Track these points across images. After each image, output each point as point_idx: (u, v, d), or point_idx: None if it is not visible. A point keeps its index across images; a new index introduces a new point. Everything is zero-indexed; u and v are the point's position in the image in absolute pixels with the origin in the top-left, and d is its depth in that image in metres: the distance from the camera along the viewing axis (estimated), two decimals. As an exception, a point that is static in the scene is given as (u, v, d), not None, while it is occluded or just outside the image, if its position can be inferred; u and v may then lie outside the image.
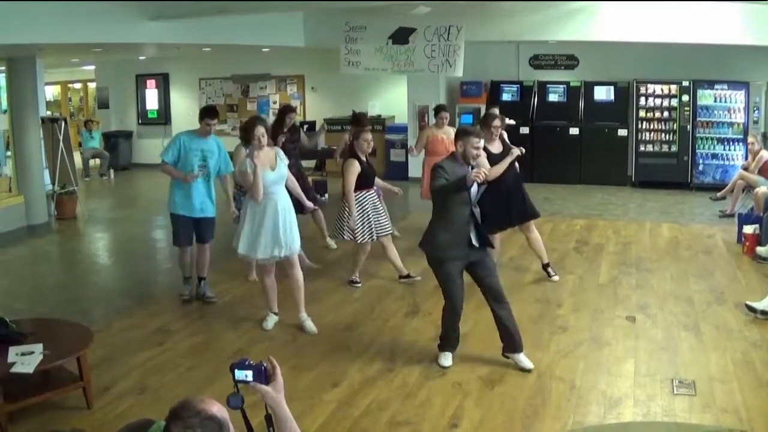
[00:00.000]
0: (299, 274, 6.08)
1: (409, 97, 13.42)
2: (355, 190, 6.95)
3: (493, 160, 6.70)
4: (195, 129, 6.69)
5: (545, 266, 7.42)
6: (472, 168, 4.97)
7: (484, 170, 4.76)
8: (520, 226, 7.26)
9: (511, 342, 5.19)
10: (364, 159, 7.03)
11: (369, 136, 7.02)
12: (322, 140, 8.90)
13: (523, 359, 5.18)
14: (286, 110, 8.37)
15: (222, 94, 16.18)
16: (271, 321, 6.16)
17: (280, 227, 5.79)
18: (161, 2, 7.90)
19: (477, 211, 5.07)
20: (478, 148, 4.99)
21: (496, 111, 8.73)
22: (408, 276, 7.31)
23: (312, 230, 8.67)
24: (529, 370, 5.12)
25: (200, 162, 6.54)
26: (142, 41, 8.85)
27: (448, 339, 5.32)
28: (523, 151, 6.82)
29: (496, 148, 6.86)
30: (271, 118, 13.99)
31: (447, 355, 5.31)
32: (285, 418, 2.43)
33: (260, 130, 5.74)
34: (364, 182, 7.00)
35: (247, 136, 5.87)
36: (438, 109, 8.85)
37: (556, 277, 7.35)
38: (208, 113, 6.57)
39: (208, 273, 7.02)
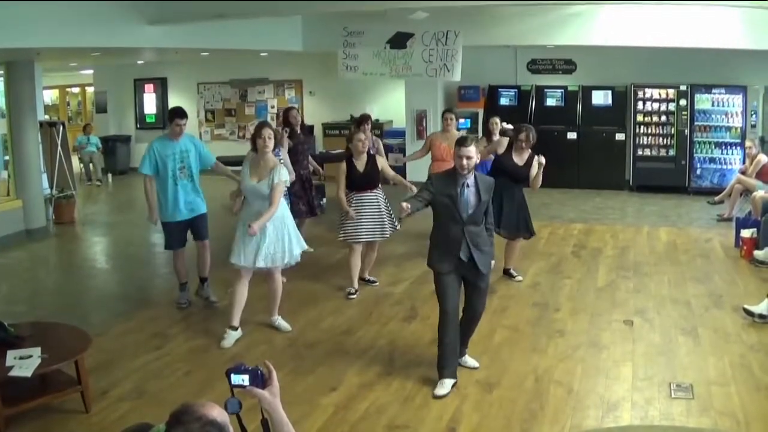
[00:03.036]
0: (277, 286, 6.12)
1: (407, 101, 13.42)
2: (347, 191, 7.00)
3: (517, 170, 6.91)
4: (166, 133, 6.64)
5: (507, 270, 7.53)
6: (476, 181, 4.97)
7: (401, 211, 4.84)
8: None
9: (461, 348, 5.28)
10: (360, 163, 6.97)
11: (361, 136, 7.03)
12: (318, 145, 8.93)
13: (468, 360, 5.34)
14: (286, 111, 8.38)
15: (220, 98, 16.19)
16: (231, 338, 5.93)
17: (258, 239, 5.75)
18: (160, 4, 7.92)
19: (472, 228, 4.93)
20: (460, 158, 4.81)
21: (496, 119, 8.67)
22: (367, 280, 7.38)
23: (308, 234, 8.68)
24: (476, 368, 5.27)
25: (179, 164, 6.51)
26: (140, 45, 8.86)
27: (447, 360, 4.99)
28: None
29: (521, 160, 7.00)
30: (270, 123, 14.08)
31: (444, 382, 4.95)
32: (281, 422, 2.43)
33: (267, 132, 5.79)
34: (354, 184, 6.98)
35: (253, 142, 5.88)
36: (443, 113, 8.66)
37: (519, 277, 7.47)
38: (177, 114, 6.50)
39: (209, 274, 6.99)
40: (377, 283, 7.37)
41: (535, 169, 6.93)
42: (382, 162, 7.19)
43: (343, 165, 6.99)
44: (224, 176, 6.89)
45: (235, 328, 5.98)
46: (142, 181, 6.60)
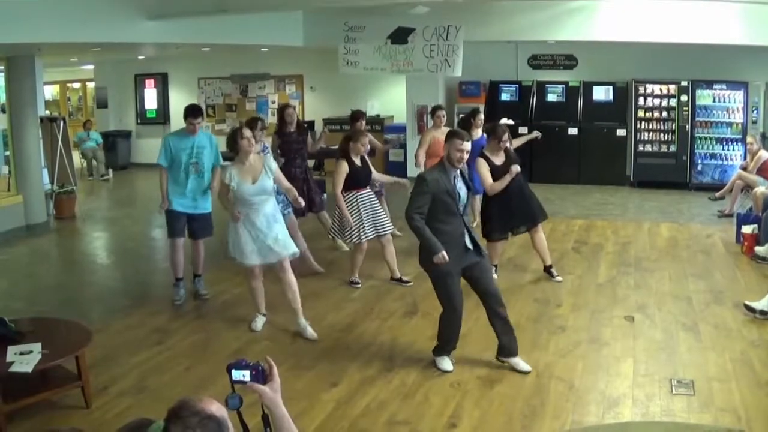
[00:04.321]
0: (291, 278, 5.97)
1: (408, 97, 13.42)
2: (345, 190, 7.00)
3: (496, 171, 6.77)
4: (183, 128, 6.69)
5: (548, 268, 7.39)
6: (461, 172, 4.99)
7: (442, 256, 4.83)
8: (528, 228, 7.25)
9: (508, 345, 5.17)
10: (357, 160, 7.04)
11: (366, 140, 7.09)
12: (323, 143, 8.96)
13: (519, 362, 5.16)
14: (282, 109, 8.39)
15: (221, 93, 16.17)
16: (260, 322, 6.16)
17: (265, 236, 5.76)
18: (161, 0, 7.92)
19: (466, 219, 5.10)
20: (461, 151, 4.87)
21: (482, 116, 8.83)
22: (399, 280, 7.31)
23: (312, 229, 8.68)
24: (527, 373, 5.10)
25: (192, 159, 6.57)
26: (140, 41, 8.85)
27: (447, 344, 5.25)
28: (518, 170, 6.78)
29: (499, 159, 6.91)
30: (270, 118, 14.11)
31: (446, 359, 5.23)
32: (282, 418, 2.43)
33: (247, 133, 5.75)
34: (354, 182, 7.02)
35: (234, 145, 5.74)
36: (434, 110, 8.84)
37: (559, 278, 7.32)
38: (191, 112, 6.56)
39: (203, 270, 7.05)
40: (411, 283, 7.25)
41: (506, 179, 6.72)
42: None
43: (345, 164, 6.97)
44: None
45: (263, 314, 6.18)
46: (146, 174, 6.67)
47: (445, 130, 8.47)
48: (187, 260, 7.00)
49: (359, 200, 7.05)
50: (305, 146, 8.32)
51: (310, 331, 5.96)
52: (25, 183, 10.01)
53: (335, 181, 6.96)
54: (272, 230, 5.80)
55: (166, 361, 5.50)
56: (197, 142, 6.59)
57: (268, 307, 6.24)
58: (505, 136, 6.94)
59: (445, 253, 4.84)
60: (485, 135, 8.10)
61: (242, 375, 2.40)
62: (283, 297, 6.11)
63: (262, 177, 5.75)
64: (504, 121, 10.40)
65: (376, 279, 7.45)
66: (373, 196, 7.26)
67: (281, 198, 6.85)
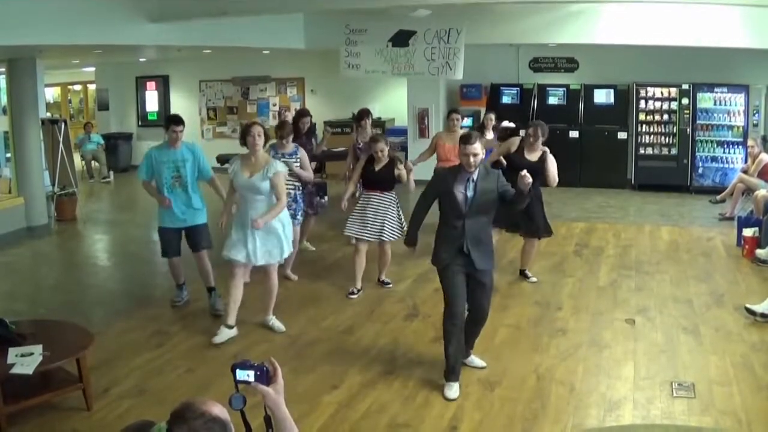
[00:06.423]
0: (273, 284, 6.04)
1: (409, 99, 13.41)
2: (363, 187, 7.12)
3: (531, 167, 6.65)
4: (165, 141, 6.49)
5: (522, 271, 7.51)
6: (469, 175, 4.96)
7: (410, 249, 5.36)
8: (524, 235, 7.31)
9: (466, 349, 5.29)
10: (380, 163, 6.95)
11: (378, 147, 6.92)
12: (324, 145, 8.93)
13: (475, 360, 5.36)
14: (300, 115, 8.39)
15: (222, 96, 16.17)
16: (224, 335, 5.90)
17: (250, 235, 5.75)
18: (162, 1, 7.94)
19: (474, 223, 4.87)
20: (467, 155, 4.77)
21: (491, 116, 8.96)
22: (383, 282, 7.34)
23: (311, 232, 8.69)
24: (483, 368, 5.27)
25: (174, 173, 6.42)
26: (142, 43, 8.87)
27: (454, 366, 4.95)
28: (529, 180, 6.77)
29: (533, 156, 6.92)
30: (271, 121, 14.13)
31: (453, 386, 4.93)
32: (284, 419, 2.43)
33: (254, 130, 5.81)
34: (366, 182, 7.06)
35: (243, 141, 5.88)
36: (449, 113, 8.81)
37: (534, 279, 7.45)
38: (172, 120, 6.45)
39: (216, 282, 6.73)
40: (391, 285, 7.30)
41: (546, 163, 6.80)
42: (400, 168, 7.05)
43: (362, 160, 7.08)
44: (217, 194, 6.72)
45: (230, 327, 5.94)
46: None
47: (460, 133, 8.36)
48: (191, 270, 6.89)
49: (362, 200, 7.05)
50: (311, 150, 8.29)
51: (277, 324, 6.13)
52: (26, 185, 10.02)
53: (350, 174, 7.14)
54: (257, 234, 5.74)
55: (166, 364, 5.50)
56: (178, 155, 6.43)
57: (263, 310, 6.24)
58: (529, 131, 6.98)
59: (412, 247, 5.30)
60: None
61: (247, 375, 2.40)
62: (282, 298, 6.13)
63: (258, 176, 5.77)
64: (505, 123, 10.44)
65: (388, 286, 7.40)
66: (382, 202, 7.01)
67: (298, 205, 7.22)
